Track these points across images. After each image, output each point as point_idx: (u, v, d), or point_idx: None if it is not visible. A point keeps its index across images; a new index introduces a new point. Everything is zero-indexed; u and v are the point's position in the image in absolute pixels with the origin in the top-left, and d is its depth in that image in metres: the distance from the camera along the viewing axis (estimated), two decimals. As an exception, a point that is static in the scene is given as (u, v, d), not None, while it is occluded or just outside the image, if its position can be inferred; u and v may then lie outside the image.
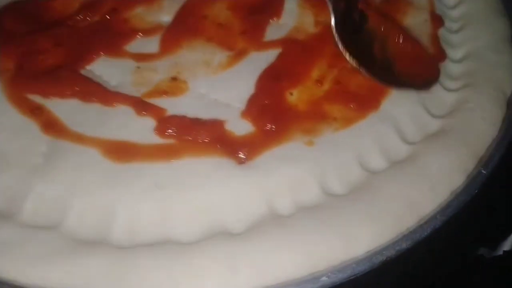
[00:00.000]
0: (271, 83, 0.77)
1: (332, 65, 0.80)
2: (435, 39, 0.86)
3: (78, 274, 0.60)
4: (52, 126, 0.73)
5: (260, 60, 0.81)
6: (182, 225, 0.65)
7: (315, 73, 0.79)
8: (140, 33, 0.85)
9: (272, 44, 0.83)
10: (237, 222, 0.65)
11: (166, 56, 0.82)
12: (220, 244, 0.62)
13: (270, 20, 0.87)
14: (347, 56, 0.77)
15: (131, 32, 0.85)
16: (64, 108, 0.75)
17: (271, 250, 0.61)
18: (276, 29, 0.86)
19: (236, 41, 0.84)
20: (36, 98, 0.76)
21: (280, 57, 0.81)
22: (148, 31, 0.85)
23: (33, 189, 0.67)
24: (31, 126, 0.73)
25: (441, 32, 0.88)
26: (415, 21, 0.88)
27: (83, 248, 0.62)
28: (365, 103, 0.76)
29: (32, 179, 0.68)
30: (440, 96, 0.79)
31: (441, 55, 0.84)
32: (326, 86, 0.78)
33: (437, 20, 0.89)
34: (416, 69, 0.81)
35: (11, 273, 0.61)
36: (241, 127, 0.73)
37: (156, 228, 0.65)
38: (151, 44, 0.84)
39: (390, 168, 0.70)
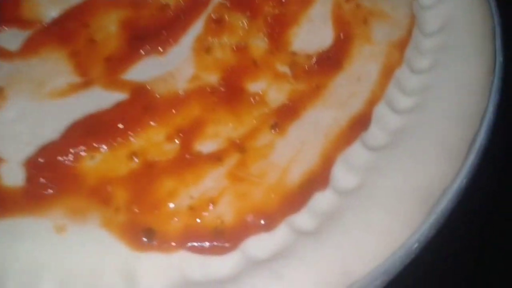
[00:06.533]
0: (82, 137, 0.64)
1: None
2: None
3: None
4: None
5: (95, 100, 0.66)
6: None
7: (134, 146, 0.63)
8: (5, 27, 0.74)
9: (122, 85, 0.68)
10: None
11: (22, 59, 0.71)
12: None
13: (152, 53, 0.72)
14: None
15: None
16: None
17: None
18: (150, 67, 0.70)
19: (94, 66, 0.70)
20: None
21: (118, 106, 0.66)
22: (25, 24, 0.74)
23: None
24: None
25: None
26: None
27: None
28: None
29: None
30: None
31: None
32: (136, 165, 0.62)
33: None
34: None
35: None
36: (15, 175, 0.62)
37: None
38: (16, 39, 0.74)
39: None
